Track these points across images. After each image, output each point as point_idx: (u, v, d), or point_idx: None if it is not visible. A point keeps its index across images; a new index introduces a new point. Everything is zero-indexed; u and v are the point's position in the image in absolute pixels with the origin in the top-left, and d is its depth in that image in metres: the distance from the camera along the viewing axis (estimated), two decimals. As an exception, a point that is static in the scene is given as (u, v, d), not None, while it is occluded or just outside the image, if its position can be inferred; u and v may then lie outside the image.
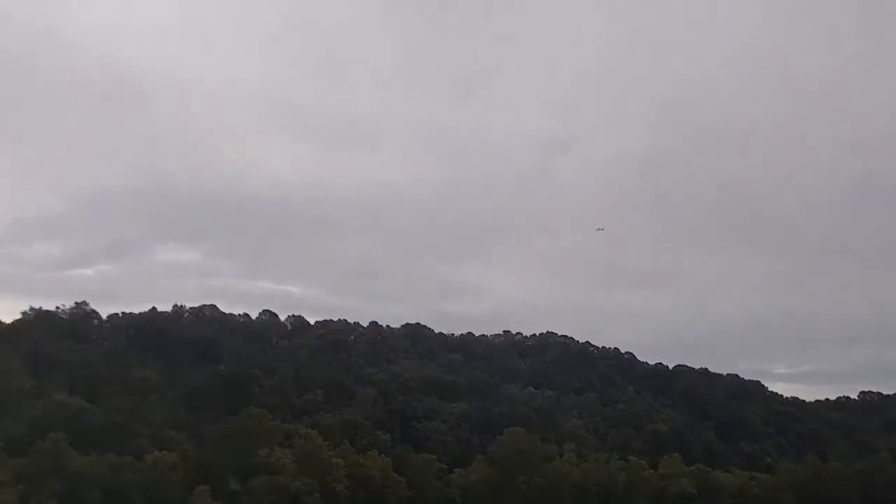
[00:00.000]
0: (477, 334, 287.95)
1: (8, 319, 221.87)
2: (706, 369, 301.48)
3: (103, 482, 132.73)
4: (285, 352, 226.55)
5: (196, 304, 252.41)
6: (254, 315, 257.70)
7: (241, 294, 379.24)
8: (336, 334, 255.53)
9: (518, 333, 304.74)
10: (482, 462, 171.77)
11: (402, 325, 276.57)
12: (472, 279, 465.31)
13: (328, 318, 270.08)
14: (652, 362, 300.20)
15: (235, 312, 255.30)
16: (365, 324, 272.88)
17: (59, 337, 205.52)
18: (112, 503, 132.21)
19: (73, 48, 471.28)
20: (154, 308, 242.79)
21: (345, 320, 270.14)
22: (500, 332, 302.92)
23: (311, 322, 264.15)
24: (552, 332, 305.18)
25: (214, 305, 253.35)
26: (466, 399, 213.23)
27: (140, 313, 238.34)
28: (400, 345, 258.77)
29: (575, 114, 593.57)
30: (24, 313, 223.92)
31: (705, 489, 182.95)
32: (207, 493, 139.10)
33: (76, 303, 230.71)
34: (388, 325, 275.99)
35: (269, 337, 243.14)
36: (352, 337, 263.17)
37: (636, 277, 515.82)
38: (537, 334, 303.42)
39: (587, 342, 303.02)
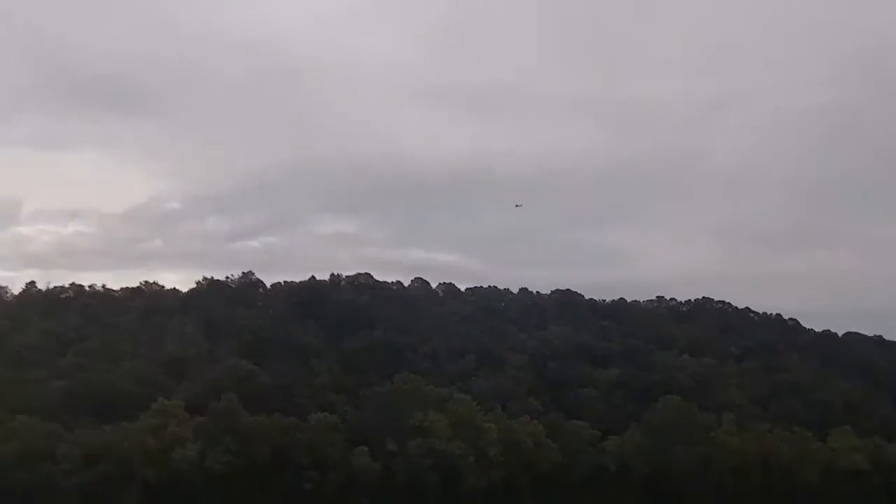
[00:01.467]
0: (629, 300, 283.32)
1: (185, 289, 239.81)
2: (881, 337, 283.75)
3: (271, 440, 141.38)
4: (438, 318, 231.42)
5: (352, 273, 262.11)
6: (406, 283, 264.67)
7: (394, 263, 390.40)
8: (487, 301, 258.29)
9: (672, 299, 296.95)
10: (637, 430, 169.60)
11: (553, 292, 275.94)
12: (624, 245, 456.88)
13: (479, 285, 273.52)
14: (818, 329, 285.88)
15: (389, 280, 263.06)
16: (515, 290, 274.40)
17: (228, 304, 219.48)
18: (280, 460, 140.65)
19: (237, 35, 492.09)
20: (313, 277, 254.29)
21: (495, 287, 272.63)
22: (654, 298, 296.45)
23: (462, 289, 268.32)
24: (708, 298, 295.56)
25: (369, 274, 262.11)
26: (619, 366, 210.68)
27: (300, 282, 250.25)
28: (551, 311, 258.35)
29: (736, 72, 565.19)
30: (198, 283, 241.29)
31: (881, 465, 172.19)
32: (366, 453, 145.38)
33: (243, 273, 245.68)
34: (538, 292, 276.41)
35: (421, 304, 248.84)
36: (503, 304, 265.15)
37: (799, 239, 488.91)
38: (693, 300, 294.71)
39: (746, 308, 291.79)
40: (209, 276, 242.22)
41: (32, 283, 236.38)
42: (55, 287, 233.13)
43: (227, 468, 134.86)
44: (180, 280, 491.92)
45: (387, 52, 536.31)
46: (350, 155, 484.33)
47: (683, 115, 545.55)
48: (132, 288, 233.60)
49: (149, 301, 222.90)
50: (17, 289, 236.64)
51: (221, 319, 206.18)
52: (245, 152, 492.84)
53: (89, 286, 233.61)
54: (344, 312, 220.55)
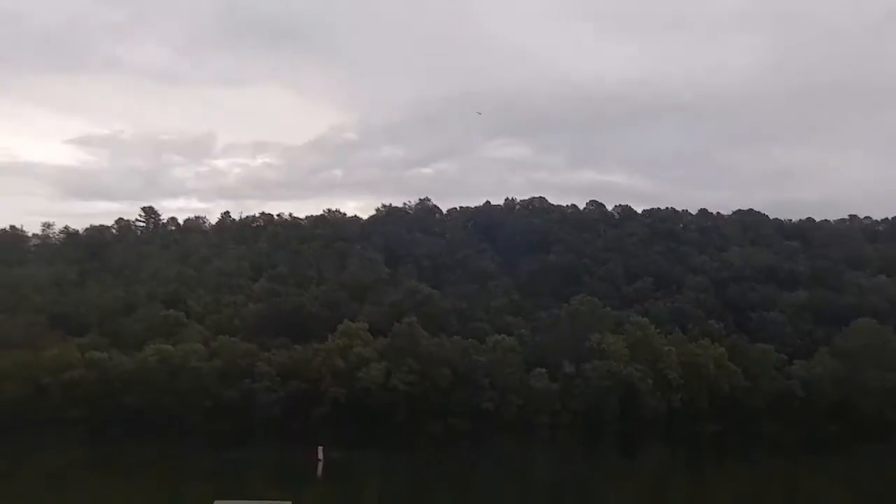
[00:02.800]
0: (818, 220, 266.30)
1: (364, 216, 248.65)
2: None
3: (451, 362, 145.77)
4: (613, 241, 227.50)
5: (526, 197, 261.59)
6: (581, 206, 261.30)
7: (568, 186, 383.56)
8: (664, 222, 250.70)
9: (866, 218, 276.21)
10: (826, 354, 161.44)
11: (734, 212, 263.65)
12: (809, 161, 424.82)
13: (655, 206, 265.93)
14: None
15: (563, 204, 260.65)
16: (694, 212, 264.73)
17: (407, 230, 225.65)
18: (460, 381, 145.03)
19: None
20: (488, 202, 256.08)
21: (672, 208, 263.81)
22: (845, 217, 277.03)
23: (639, 211, 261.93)
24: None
25: (543, 197, 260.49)
26: (807, 288, 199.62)
27: (476, 207, 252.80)
28: (731, 232, 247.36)
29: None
30: (377, 210, 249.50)
31: None
32: (544, 375, 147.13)
33: (420, 199, 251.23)
34: (718, 212, 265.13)
35: (596, 226, 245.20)
36: (680, 225, 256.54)
37: None
38: (889, 218, 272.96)
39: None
40: (387, 203, 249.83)
41: (227, 212, 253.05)
42: (247, 216, 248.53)
43: (409, 388, 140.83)
44: (360, 207, 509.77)
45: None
46: (518, 79, 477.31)
47: (872, 13, 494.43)
48: (316, 216, 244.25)
49: (332, 228, 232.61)
50: (213, 218, 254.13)
51: (400, 245, 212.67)
52: (415, 82, 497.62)
53: (277, 215, 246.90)
54: (519, 236, 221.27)
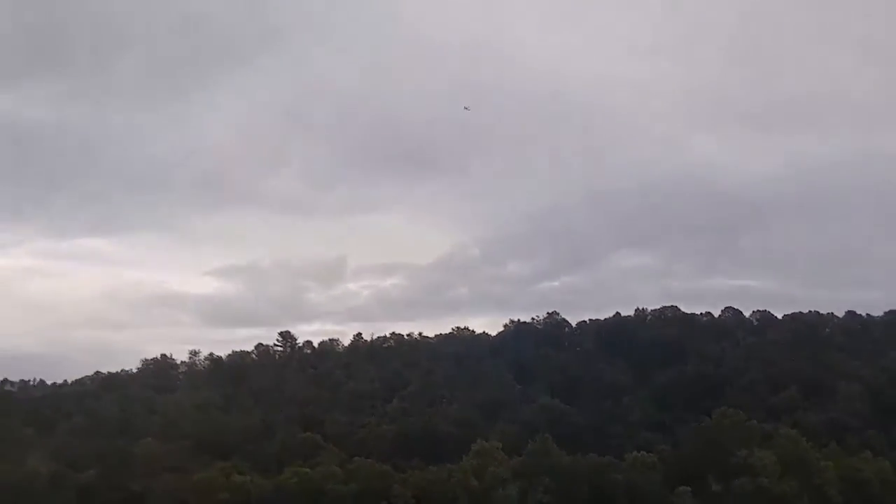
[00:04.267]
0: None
1: (493, 332, 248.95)
2: None
3: (589, 480, 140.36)
4: (754, 348, 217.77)
5: (657, 306, 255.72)
6: (716, 313, 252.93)
7: (701, 292, 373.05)
8: (808, 327, 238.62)
9: None
10: None
11: (886, 313, 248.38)
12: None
13: (797, 310, 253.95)
14: None
15: (697, 312, 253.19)
16: (840, 314, 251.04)
17: (536, 345, 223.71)
18: (598, 500, 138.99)
19: (520, 87, 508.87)
20: (618, 313, 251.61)
21: (816, 311, 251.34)
22: None
23: (779, 316, 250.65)
24: None
25: (675, 306, 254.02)
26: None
27: (605, 319, 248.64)
28: (884, 334, 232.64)
29: None
30: (505, 326, 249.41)
31: None
32: (689, 493, 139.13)
33: (548, 313, 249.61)
34: (868, 314, 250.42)
35: (734, 334, 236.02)
36: (826, 329, 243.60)
37: None
38: None
39: None
40: (515, 319, 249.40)
41: (359, 334, 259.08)
42: (378, 337, 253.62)
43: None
44: (488, 324, 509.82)
45: (678, 76, 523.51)
46: (645, 186, 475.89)
47: None
48: (445, 334, 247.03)
49: (461, 346, 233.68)
50: (346, 340, 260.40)
51: (531, 360, 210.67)
52: (538, 194, 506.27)
53: (407, 335, 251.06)
54: (652, 347, 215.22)
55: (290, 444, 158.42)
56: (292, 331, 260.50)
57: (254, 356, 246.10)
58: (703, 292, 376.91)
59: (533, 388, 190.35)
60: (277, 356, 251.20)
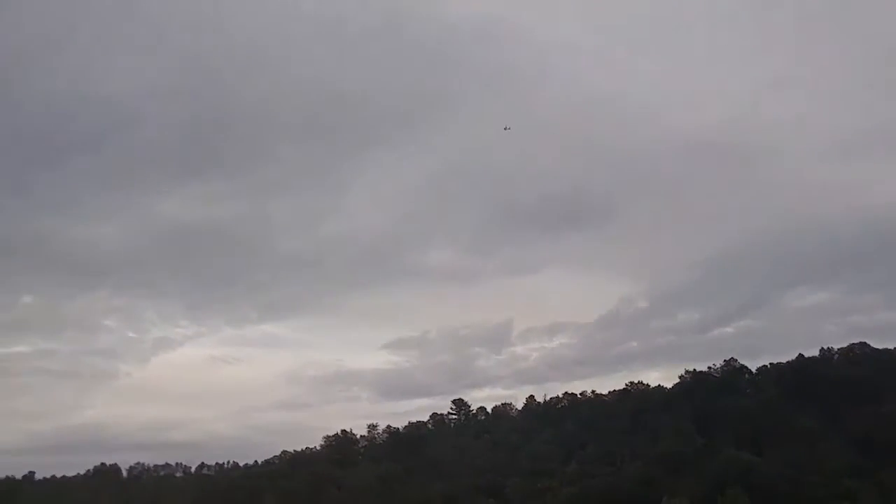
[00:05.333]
0: None
1: (668, 384, 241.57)
2: None
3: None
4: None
5: (843, 344, 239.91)
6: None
7: (891, 326, 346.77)
8: None
9: None
10: None
11: None
12: None
13: None
14: None
15: (889, 346, 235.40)
16: None
17: (715, 394, 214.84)
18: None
19: (677, 133, 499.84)
20: (801, 354, 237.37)
21: None
22: None
23: None
24: None
25: (864, 342, 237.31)
26: None
27: (788, 361, 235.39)
28: None
29: None
30: (680, 377, 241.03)
31: None
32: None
33: (724, 360, 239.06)
34: None
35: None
36: None
37: None
38: None
39: None
40: (691, 369, 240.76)
41: (531, 396, 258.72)
42: (551, 398, 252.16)
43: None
44: (662, 376, 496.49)
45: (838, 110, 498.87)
46: (815, 219, 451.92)
47: None
48: (619, 390, 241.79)
49: (636, 401, 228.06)
50: (519, 404, 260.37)
51: (711, 411, 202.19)
52: (700, 239, 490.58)
53: (580, 393, 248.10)
54: (843, 388, 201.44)
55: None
56: (465, 398, 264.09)
57: (430, 426, 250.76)
58: (892, 326, 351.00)
59: (716, 440, 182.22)
60: (452, 424, 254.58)
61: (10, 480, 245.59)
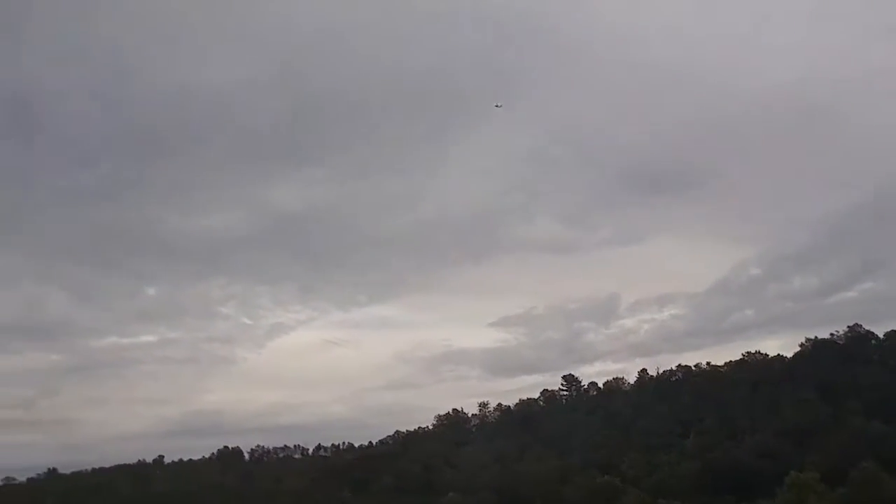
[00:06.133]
0: None
1: (788, 353, 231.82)
2: None
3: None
4: None
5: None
6: None
7: None
8: None
9: None
10: None
11: None
12: None
13: None
14: None
15: None
16: None
17: (840, 363, 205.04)
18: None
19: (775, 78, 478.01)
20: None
21: None
22: None
23: None
24: None
25: None
26: None
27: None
28: None
29: None
30: (801, 345, 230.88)
31: None
32: None
33: (848, 326, 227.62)
34: None
35: None
36: None
37: None
38: None
39: None
40: (812, 337, 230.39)
41: (643, 370, 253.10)
42: (664, 371, 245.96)
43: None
44: (781, 345, 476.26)
45: None
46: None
47: None
48: (735, 361, 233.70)
49: (754, 371, 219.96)
50: (631, 378, 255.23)
51: (836, 380, 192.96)
52: (814, 200, 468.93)
53: (695, 365, 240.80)
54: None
55: (589, 489, 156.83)
56: (575, 373, 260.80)
57: (541, 402, 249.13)
58: None
59: (843, 411, 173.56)
60: (564, 400, 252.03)
61: (142, 464, 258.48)
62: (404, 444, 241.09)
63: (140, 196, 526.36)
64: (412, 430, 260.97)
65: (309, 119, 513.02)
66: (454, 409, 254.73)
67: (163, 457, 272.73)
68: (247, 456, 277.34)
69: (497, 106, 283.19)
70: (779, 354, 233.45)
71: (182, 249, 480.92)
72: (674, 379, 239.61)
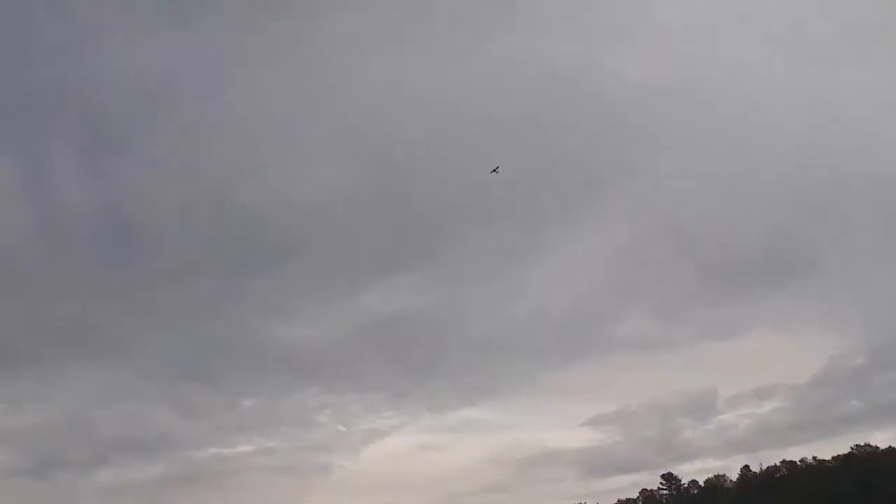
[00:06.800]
0: None
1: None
2: None
3: None
4: None
5: None
6: None
7: None
8: None
9: None
10: None
11: None
12: None
13: None
14: None
15: None
16: None
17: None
18: None
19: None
20: None
21: None
22: None
23: None
24: None
25: None
26: None
27: None
28: None
29: None
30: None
31: None
32: None
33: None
34: None
35: None
36: None
37: None
38: None
39: None
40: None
41: (746, 466, 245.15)
42: (768, 467, 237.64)
43: None
44: (891, 437, 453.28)
45: None
46: None
47: None
48: (844, 455, 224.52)
49: (865, 465, 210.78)
50: (733, 475, 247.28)
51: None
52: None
53: (800, 460, 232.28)
54: None
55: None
56: (674, 471, 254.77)
57: (640, 502, 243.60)
58: None
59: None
60: (664, 500, 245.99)
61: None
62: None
63: (238, 309, 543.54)
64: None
65: (401, 226, 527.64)
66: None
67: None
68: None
69: (494, 171, 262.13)
70: (889, 447, 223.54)
71: (277, 360, 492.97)
72: (778, 475, 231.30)
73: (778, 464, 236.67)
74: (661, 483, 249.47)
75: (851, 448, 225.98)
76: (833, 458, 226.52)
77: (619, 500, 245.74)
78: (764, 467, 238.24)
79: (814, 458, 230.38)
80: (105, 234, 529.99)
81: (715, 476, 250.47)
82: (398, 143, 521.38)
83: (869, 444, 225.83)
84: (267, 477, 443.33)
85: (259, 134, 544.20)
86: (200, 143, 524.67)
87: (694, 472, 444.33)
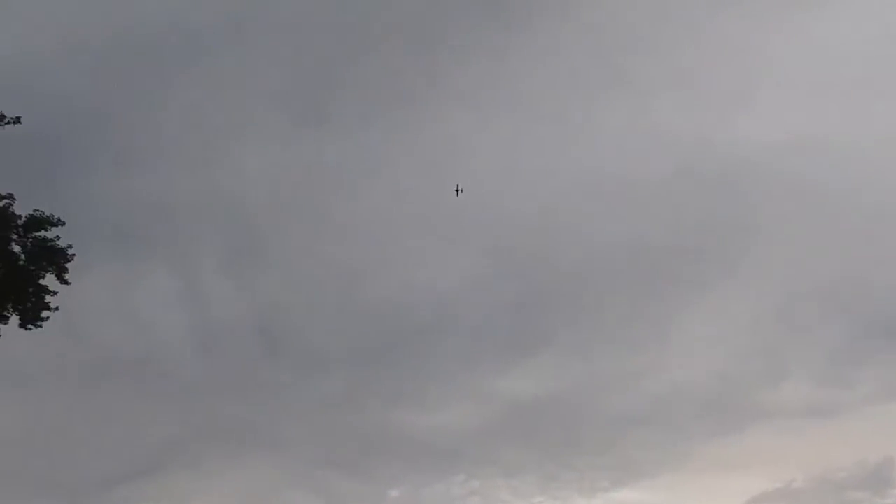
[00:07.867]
0: None
1: None
2: None
3: None
4: None
5: None
6: None
7: None
8: None
9: None
10: None
11: None
12: None
13: None
14: None
15: None
16: None
17: None
18: None
19: None
20: None
21: None
22: None
23: None
24: None
25: None
26: None
27: None
28: None
29: None
30: None
31: None
32: None
33: None
34: None
35: None
36: None
37: None
38: None
39: None
40: None
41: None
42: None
43: None
44: None
45: None
46: None
47: None
48: None
49: None
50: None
51: None
52: None
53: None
54: None
55: None
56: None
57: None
58: None
59: None
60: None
61: None
62: None
63: (376, 399, 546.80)
64: None
65: (530, 306, 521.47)
66: None
67: None
68: None
69: (457, 190, 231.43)
70: None
71: (419, 448, 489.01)
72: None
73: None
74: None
75: None
76: None
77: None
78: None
79: None
80: (249, 337, 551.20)
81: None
82: (520, 223, 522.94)
83: None
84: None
85: (391, 229, 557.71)
86: (332, 243, 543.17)
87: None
